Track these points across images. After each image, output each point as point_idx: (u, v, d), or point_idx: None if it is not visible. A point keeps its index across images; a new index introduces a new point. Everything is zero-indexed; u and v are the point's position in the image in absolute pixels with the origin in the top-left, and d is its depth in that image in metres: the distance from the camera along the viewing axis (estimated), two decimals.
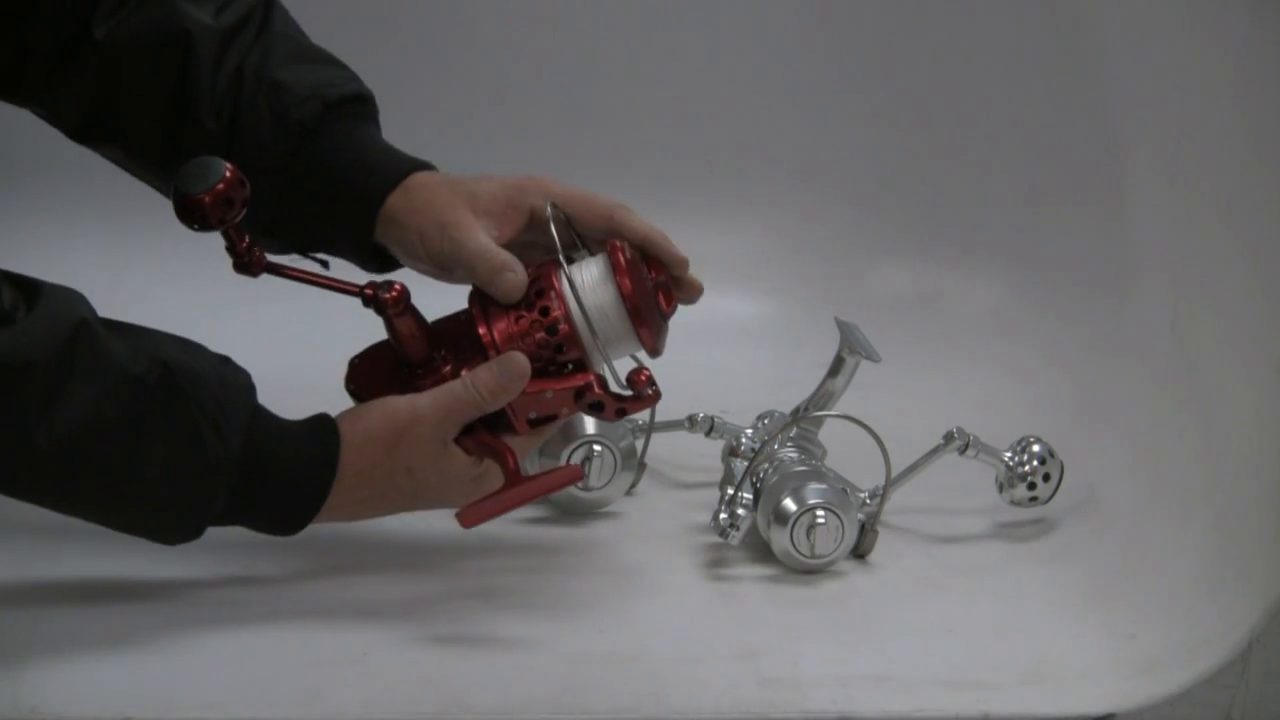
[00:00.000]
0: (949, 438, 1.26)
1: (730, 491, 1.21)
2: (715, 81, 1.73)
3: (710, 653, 1.09)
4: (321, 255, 1.15)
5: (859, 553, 1.22)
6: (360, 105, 1.15)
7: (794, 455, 1.25)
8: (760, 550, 1.22)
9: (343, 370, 1.13)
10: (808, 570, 1.20)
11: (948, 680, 1.07)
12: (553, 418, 1.10)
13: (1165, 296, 1.39)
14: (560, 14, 1.72)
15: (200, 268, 1.21)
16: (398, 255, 1.13)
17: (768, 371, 1.58)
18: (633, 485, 1.30)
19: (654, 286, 1.11)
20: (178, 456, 1.01)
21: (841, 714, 1.03)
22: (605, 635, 1.11)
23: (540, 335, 1.08)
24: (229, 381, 1.04)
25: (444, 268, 1.11)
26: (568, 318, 1.08)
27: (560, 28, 1.73)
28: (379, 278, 1.10)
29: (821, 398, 1.28)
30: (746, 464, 1.25)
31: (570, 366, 1.09)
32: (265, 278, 1.09)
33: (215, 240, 1.05)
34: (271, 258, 1.08)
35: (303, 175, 1.12)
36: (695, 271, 1.14)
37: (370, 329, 1.11)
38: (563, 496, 1.26)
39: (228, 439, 1.02)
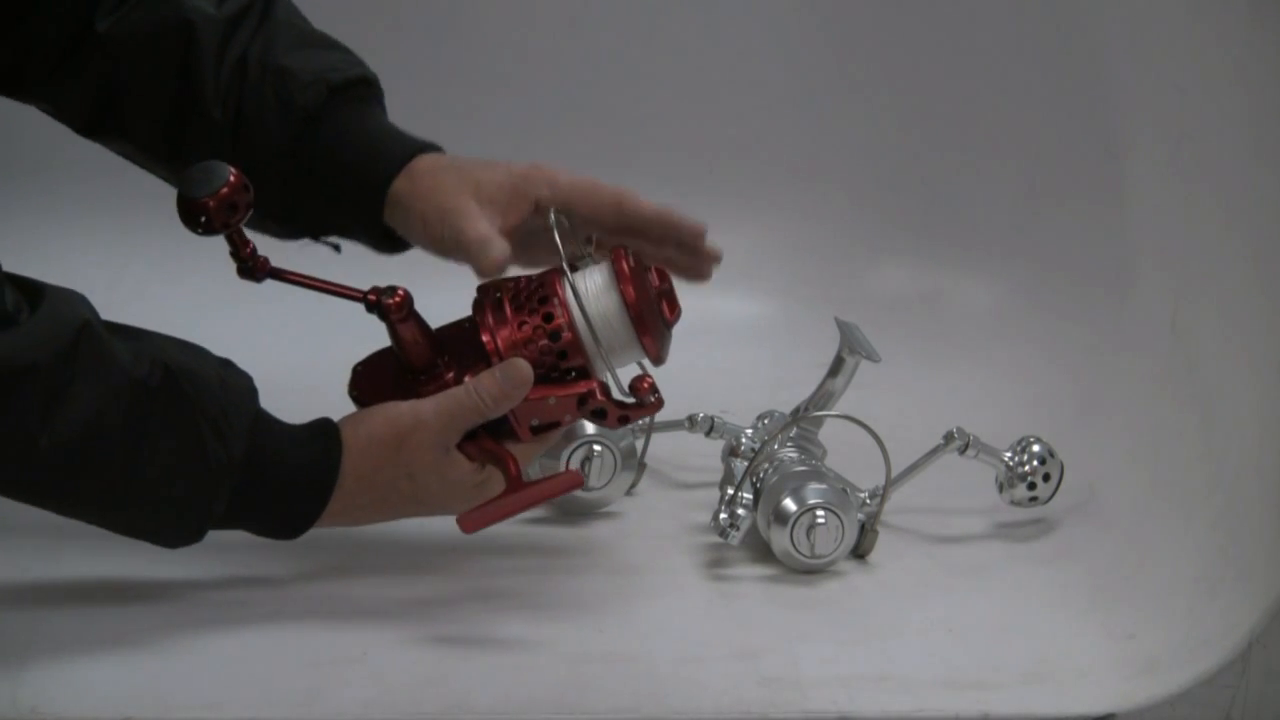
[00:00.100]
0: (949, 438, 1.26)
1: (730, 491, 1.21)
2: (715, 81, 1.73)
3: (710, 653, 1.09)
4: (334, 240, 1.15)
5: (859, 553, 1.22)
6: (365, 88, 1.14)
7: (794, 455, 1.25)
8: (760, 550, 1.21)
9: (345, 373, 1.13)
10: (808, 570, 1.20)
11: (948, 680, 1.07)
12: (555, 424, 1.10)
13: (1165, 295, 1.39)
14: (560, 14, 1.73)
15: (201, 268, 1.21)
16: (405, 237, 1.13)
17: (768, 371, 1.58)
18: (633, 485, 1.30)
19: (657, 294, 1.11)
20: (179, 460, 1.01)
21: (841, 714, 1.03)
22: (605, 635, 1.11)
23: (543, 342, 1.08)
24: (231, 385, 1.04)
25: (444, 253, 1.11)
26: (571, 325, 1.08)
27: (560, 28, 1.73)
28: (382, 284, 1.09)
29: (821, 398, 1.28)
30: (746, 464, 1.25)
31: (573, 373, 1.09)
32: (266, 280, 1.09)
33: (215, 241, 1.05)
34: (275, 263, 1.08)
35: (309, 161, 1.12)
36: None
37: (373, 332, 1.10)
38: (563, 497, 1.26)
39: (229, 442, 1.02)
